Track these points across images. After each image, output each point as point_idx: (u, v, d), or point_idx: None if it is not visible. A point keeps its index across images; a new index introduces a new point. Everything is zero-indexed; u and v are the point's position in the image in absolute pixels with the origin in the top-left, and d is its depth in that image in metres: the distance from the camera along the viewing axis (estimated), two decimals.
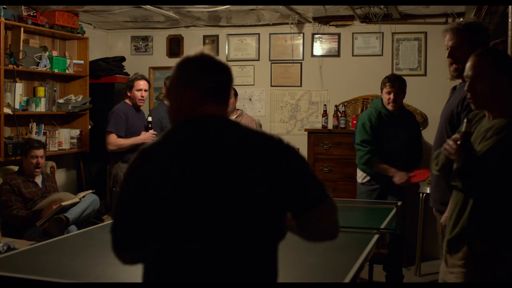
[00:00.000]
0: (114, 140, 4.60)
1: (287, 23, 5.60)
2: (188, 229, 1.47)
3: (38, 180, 4.40)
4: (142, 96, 4.72)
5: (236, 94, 5.14)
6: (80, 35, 5.36)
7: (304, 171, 1.58)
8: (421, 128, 4.62)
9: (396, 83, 4.10)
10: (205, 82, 1.56)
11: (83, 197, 4.34)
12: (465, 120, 2.08)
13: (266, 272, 1.55)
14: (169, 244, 1.49)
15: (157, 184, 1.48)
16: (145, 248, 1.52)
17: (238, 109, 5.19)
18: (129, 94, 4.78)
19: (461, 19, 2.78)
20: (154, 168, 1.49)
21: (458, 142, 2.07)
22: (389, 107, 4.14)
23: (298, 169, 1.57)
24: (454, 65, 2.71)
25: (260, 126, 5.51)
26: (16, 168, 4.47)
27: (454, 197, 2.22)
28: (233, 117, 4.85)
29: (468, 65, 2.17)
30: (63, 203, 4.13)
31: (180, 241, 1.48)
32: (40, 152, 4.33)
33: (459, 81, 2.77)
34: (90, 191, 4.49)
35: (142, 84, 4.72)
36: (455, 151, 2.07)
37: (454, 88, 2.83)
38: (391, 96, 4.10)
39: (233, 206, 1.48)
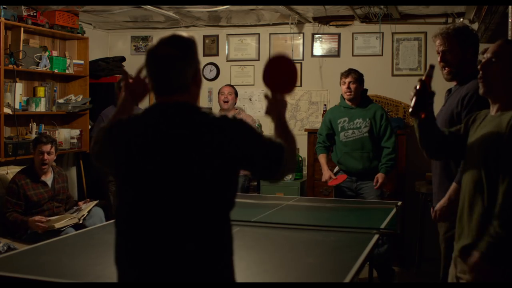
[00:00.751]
0: None
1: (287, 23, 5.60)
2: (130, 194, 1.70)
3: (49, 180, 4.21)
4: None
5: (236, 94, 5.21)
6: (80, 35, 5.36)
7: (257, 145, 1.69)
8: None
9: (350, 74, 4.33)
10: (154, 80, 1.75)
11: (84, 217, 4.10)
12: (430, 64, 2.19)
13: (207, 238, 1.64)
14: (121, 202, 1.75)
15: (114, 148, 1.75)
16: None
17: (236, 108, 5.22)
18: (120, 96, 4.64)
19: (449, 24, 2.84)
20: (114, 138, 1.76)
21: (418, 87, 2.17)
22: (346, 96, 4.37)
23: (250, 145, 1.68)
24: (447, 68, 2.76)
25: (260, 126, 5.52)
26: (18, 168, 4.36)
27: (460, 194, 2.16)
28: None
29: (491, 47, 2.15)
30: (55, 225, 3.89)
31: (125, 203, 1.73)
32: (46, 147, 4.13)
33: (454, 83, 2.80)
34: (93, 204, 4.24)
35: None
36: (414, 93, 2.19)
37: (450, 90, 2.84)
38: (345, 85, 4.33)
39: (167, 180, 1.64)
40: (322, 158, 4.47)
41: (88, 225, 3.98)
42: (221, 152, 1.63)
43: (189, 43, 1.74)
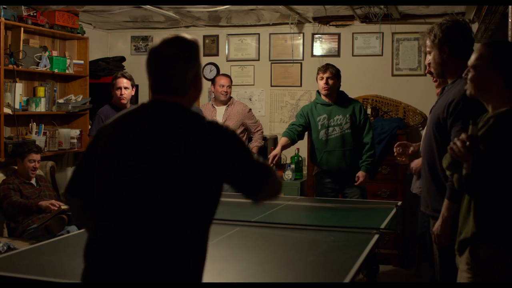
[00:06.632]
0: None
1: (287, 23, 5.60)
2: (103, 192, 1.71)
3: (33, 181, 4.40)
4: (121, 94, 4.46)
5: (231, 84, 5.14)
6: (80, 35, 5.36)
7: (244, 159, 1.69)
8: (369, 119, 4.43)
9: (328, 69, 4.27)
10: (153, 78, 1.75)
11: None
12: (471, 122, 1.94)
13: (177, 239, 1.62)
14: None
15: (97, 148, 1.77)
16: (91, 200, 1.76)
17: (232, 97, 5.13)
18: (113, 94, 4.56)
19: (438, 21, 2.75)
20: (100, 134, 1.80)
21: (467, 144, 1.90)
22: (323, 91, 4.28)
23: (238, 158, 1.68)
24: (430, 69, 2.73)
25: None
26: (15, 167, 4.45)
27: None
28: (222, 106, 5.08)
29: (475, 50, 2.14)
30: (63, 206, 4.10)
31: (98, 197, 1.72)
32: (37, 156, 4.34)
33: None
34: None
35: (121, 82, 4.47)
36: (464, 155, 1.91)
37: (443, 89, 2.81)
38: (323, 81, 4.26)
39: (141, 182, 1.64)
40: (282, 140, 4.26)
41: None
42: (204, 160, 1.62)
43: (193, 45, 1.75)
